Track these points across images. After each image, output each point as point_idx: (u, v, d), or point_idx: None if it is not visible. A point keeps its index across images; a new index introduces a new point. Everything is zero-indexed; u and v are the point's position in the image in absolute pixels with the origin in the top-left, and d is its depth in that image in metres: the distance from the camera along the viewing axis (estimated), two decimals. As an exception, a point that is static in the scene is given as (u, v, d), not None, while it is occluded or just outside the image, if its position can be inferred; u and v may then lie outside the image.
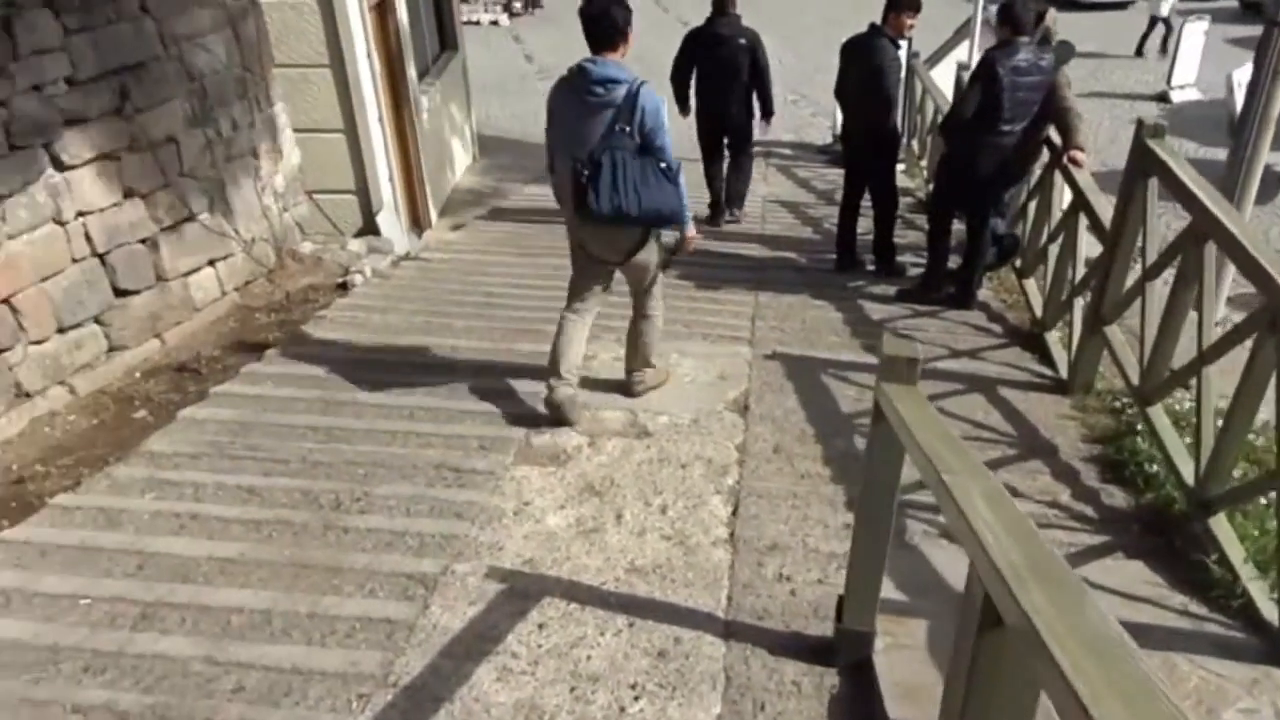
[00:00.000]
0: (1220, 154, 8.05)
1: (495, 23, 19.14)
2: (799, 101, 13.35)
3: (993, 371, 4.55)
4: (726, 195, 7.39)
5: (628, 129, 3.50)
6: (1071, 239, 4.53)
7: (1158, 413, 3.47)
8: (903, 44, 5.96)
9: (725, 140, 7.22)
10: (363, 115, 6.47)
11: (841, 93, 6.10)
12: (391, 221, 6.80)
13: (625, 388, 4.25)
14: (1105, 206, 4.22)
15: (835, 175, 9.53)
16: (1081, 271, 4.37)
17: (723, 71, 6.83)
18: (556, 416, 3.95)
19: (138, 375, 4.63)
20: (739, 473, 3.65)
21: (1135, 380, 3.66)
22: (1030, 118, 4.89)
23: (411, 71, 7.62)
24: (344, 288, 5.73)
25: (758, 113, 7.09)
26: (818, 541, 3.18)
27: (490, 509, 3.37)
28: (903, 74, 6.10)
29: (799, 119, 12.56)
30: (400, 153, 7.43)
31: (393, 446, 3.82)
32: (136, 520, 3.31)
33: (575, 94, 3.55)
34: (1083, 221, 4.42)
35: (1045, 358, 4.68)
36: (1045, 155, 5.29)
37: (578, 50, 3.62)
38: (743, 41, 6.80)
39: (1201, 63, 13.37)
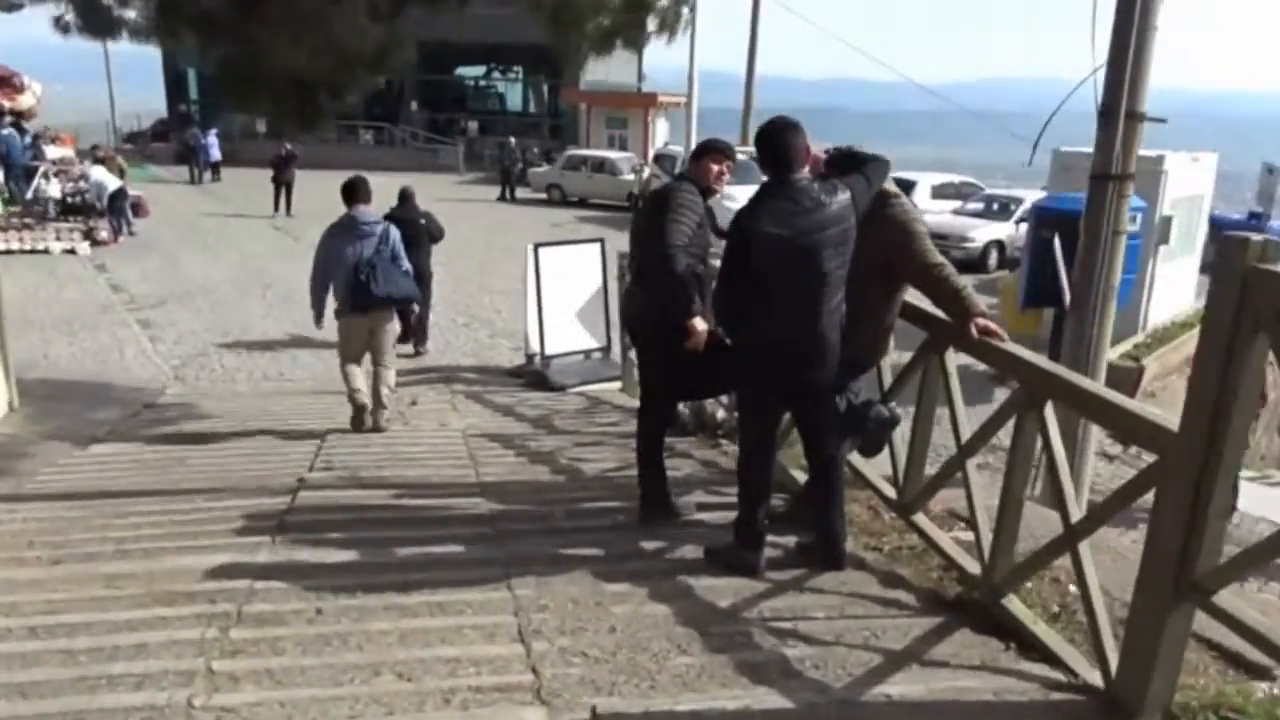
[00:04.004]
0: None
1: (71, 251, 15.39)
2: (471, 324, 11.61)
3: (975, 688, 2.62)
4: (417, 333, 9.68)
5: (384, 247, 6.02)
6: (1027, 448, 2.91)
7: None
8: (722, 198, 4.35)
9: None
10: None
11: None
12: None
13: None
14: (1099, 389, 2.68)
15: (539, 399, 7.76)
16: (1079, 499, 2.70)
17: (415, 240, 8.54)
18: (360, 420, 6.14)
19: None
20: None
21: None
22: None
23: None
24: None
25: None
26: None
27: None
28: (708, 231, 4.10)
29: (476, 342, 10.74)
30: None
31: None
32: None
33: (350, 230, 5.99)
34: (1052, 419, 2.83)
35: (1027, 644, 2.86)
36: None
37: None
38: (422, 221, 9.48)
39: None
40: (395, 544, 3.79)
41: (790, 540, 3.80)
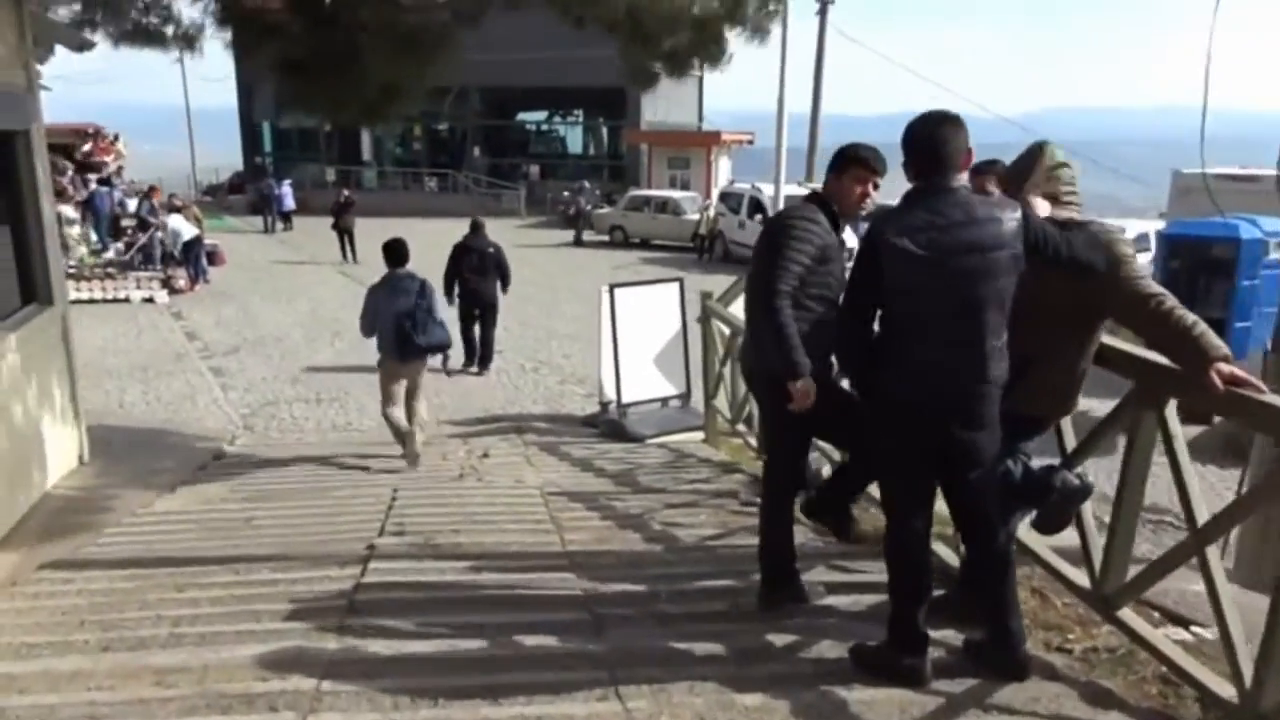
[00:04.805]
0: None
1: (150, 300, 15.57)
2: (539, 369, 11.24)
3: None
4: (481, 353, 10.78)
5: (424, 303, 6.53)
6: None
7: None
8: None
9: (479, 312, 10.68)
10: None
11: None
12: None
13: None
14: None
15: (619, 451, 7.28)
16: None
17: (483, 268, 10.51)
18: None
19: None
20: None
21: None
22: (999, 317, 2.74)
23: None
24: None
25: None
26: None
27: None
28: (842, 267, 3.38)
29: (546, 389, 10.35)
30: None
31: None
32: None
33: (393, 287, 6.53)
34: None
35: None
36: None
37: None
38: (491, 250, 10.56)
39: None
40: (478, 633, 3.30)
41: (948, 635, 3.13)
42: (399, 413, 6.71)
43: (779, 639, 3.30)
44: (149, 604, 3.69)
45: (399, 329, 6.42)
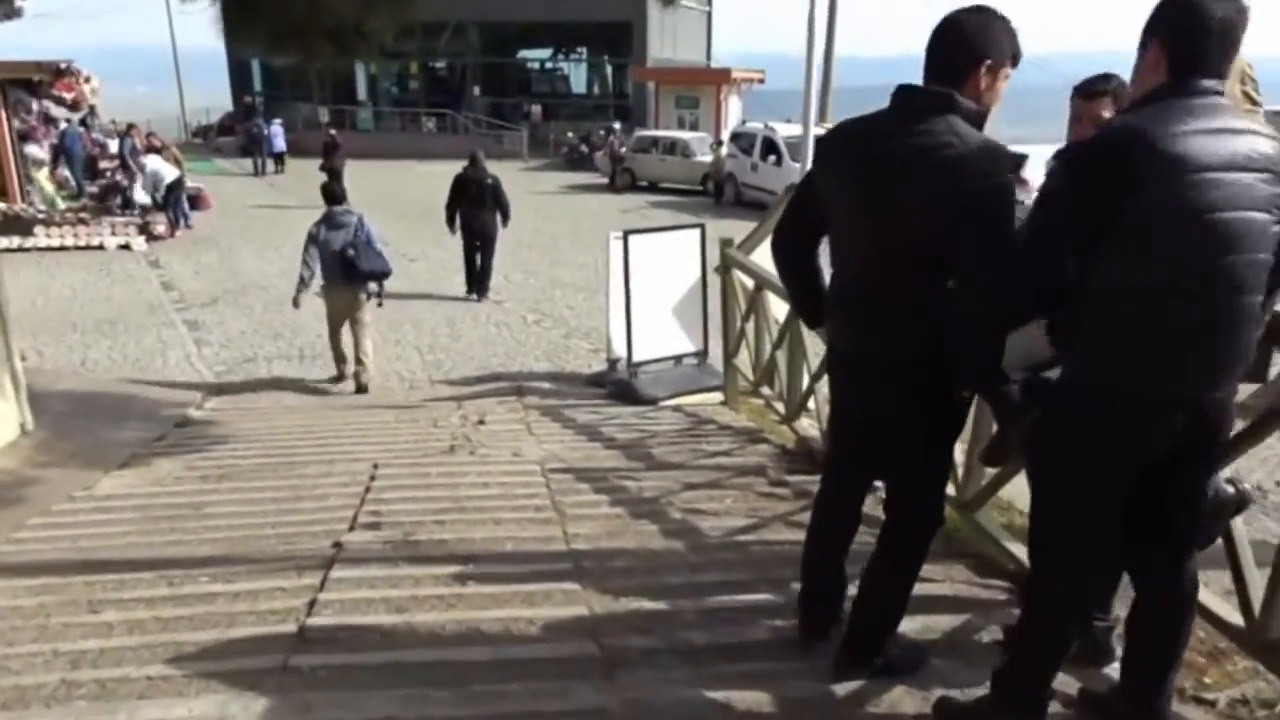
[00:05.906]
0: None
1: (126, 246, 14.70)
2: (542, 322, 10.44)
3: None
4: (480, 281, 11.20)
5: (360, 233, 7.25)
6: None
7: None
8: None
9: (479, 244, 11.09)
10: None
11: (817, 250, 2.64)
12: None
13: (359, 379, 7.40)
14: None
15: (629, 415, 6.53)
16: None
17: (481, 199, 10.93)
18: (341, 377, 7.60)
19: None
20: None
21: None
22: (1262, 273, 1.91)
23: None
24: None
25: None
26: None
27: None
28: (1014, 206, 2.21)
29: (549, 344, 9.55)
30: None
31: None
32: None
33: (332, 222, 7.28)
34: None
35: None
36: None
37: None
38: (489, 182, 10.92)
39: None
40: (455, 680, 2.56)
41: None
42: (345, 339, 7.57)
43: (838, 685, 2.57)
44: (48, 632, 2.95)
45: (343, 257, 7.19)
